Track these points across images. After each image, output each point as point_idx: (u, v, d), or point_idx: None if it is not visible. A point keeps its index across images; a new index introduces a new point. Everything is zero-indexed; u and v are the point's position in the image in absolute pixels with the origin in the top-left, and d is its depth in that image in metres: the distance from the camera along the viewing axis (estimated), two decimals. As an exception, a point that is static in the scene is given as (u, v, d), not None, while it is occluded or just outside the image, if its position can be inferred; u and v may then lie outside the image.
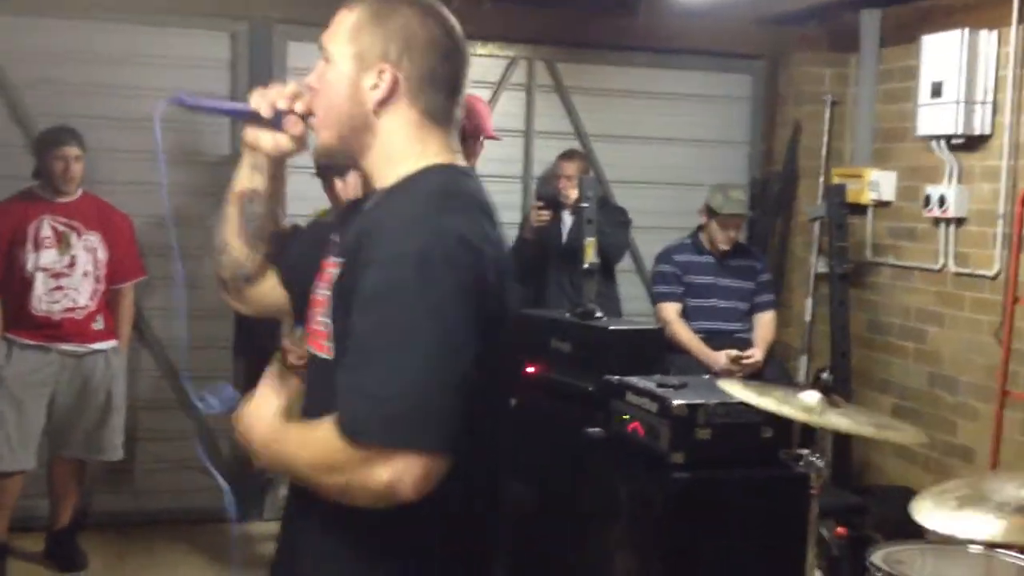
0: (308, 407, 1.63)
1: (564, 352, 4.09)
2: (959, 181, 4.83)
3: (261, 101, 1.68)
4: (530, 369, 4.23)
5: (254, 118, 1.69)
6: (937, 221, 4.94)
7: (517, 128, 5.62)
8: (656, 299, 5.06)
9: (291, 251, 1.79)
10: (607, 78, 5.71)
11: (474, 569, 1.63)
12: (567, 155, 5.31)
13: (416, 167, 1.58)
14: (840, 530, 3.81)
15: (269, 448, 1.54)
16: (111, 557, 4.62)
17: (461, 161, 1.64)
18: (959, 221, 4.84)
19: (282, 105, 1.65)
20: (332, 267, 1.60)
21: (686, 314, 4.94)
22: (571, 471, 3.74)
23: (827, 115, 5.66)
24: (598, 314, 4.16)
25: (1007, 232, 4.54)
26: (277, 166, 1.73)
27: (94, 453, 4.55)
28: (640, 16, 5.49)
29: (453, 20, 1.62)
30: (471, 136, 3.38)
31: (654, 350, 4.08)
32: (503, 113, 5.58)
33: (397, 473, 1.39)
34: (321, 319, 1.60)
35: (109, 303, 4.53)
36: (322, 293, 1.62)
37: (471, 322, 1.43)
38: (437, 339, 1.41)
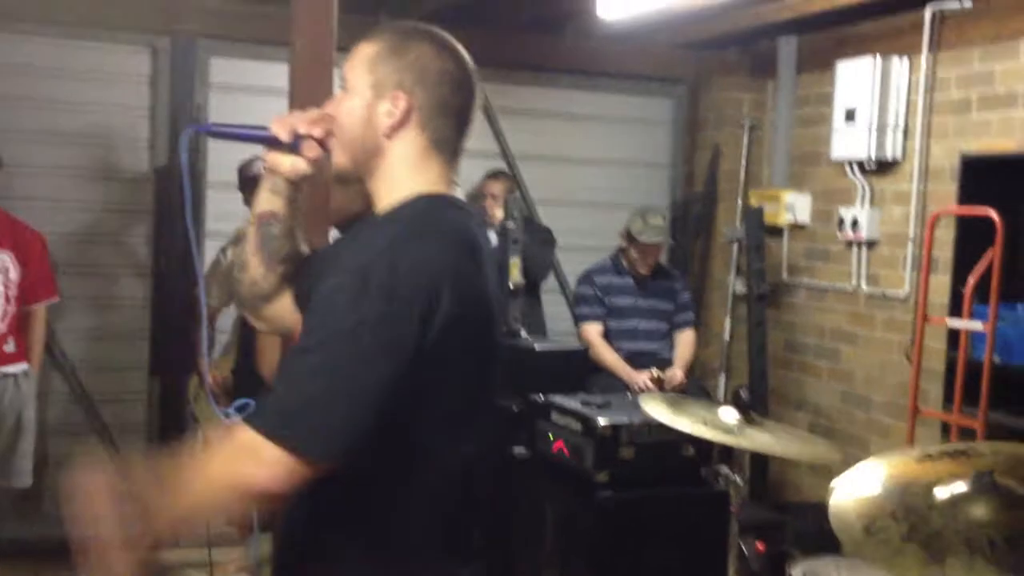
0: None
1: (489, 372, 4.11)
2: (871, 204, 4.97)
3: (280, 126, 1.74)
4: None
5: (274, 143, 1.75)
6: (850, 243, 5.08)
7: (442, 147, 5.62)
8: (578, 320, 5.10)
9: (304, 273, 1.83)
10: (533, 99, 5.76)
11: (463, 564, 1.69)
12: (493, 175, 5.34)
13: (411, 193, 1.65)
14: (759, 545, 3.88)
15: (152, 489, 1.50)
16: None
17: (456, 192, 1.71)
18: (871, 243, 4.99)
19: (301, 130, 1.71)
20: None
21: (608, 335, 4.99)
22: (497, 491, 3.75)
23: (745, 139, 5.78)
24: (523, 334, 4.18)
25: (917, 254, 4.68)
26: (295, 189, 1.79)
27: (2, 479, 4.39)
28: (566, 38, 5.56)
29: (466, 56, 1.72)
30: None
31: (578, 370, 4.12)
32: (428, 132, 5.59)
33: (267, 470, 1.46)
34: None
35: (20, 324, 4.39)
36: None
37: (398, 345, 1.48)
38: (352, 355, 1.47)
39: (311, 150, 1.72)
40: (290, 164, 1.74)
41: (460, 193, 1.71)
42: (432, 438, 1.58)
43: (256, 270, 1.82)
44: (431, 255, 1.53)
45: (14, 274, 4.34)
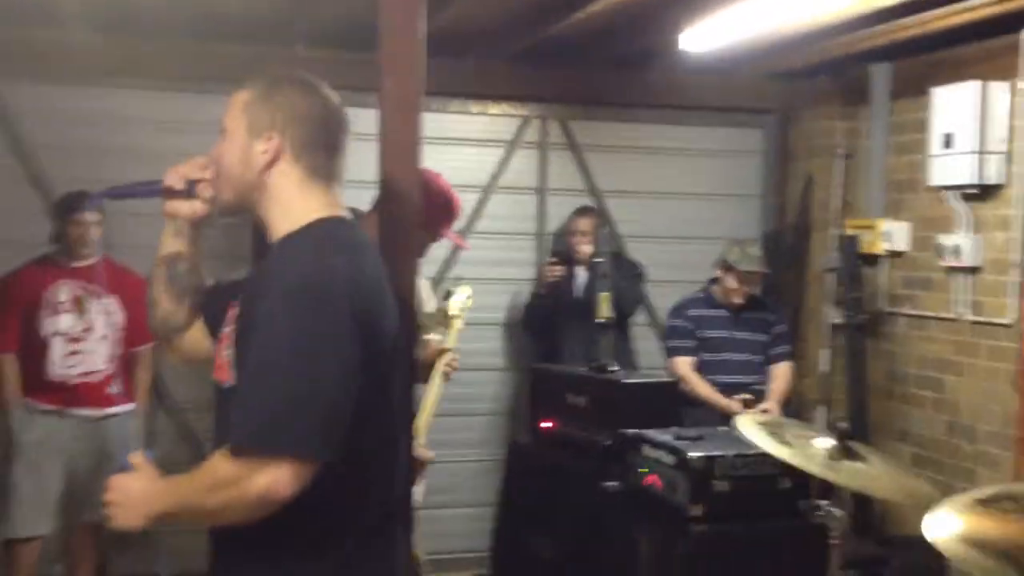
0: (218, 436, 1.83)
1: (580, 406, 4.09)
2: (973, 230, 4.83)
3: (174, 176, 1.99)
4: (547, 424, 4.22)
5: (170, 192, 1.99)
6: (952, 270, 4.94)
7: (531, 185, 5.68)
8: (669, 353, 5.05)
9: (210, 304, 2.05)
10: (619, 135, 5.77)
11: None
12: (580, 211, 5.36)
13: (303, 221, 1.84)
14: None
15: (151, 494, 1.74)
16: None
17: (342, 212, 1.89)
18: (974, 270, 4.84)
19: (194, 176, 1.96)
20: (235, 308, 1.87)
21: (700, 368, 4.92)
22: (589, 525, 3.72)
23: (839, 167, 5.69)
24: (612, 368, 4.16)
25: (1022, 280, 4.53)
26: (195, 230, 2.03)
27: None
28: (652, 73, 5.57)
29: (331, 95, 1.92)
30: (429, 228, 3.20)
31: (669, 403, 4.08)
32: (517, 171, 5.65)
33: (272, 477, 1.62)
34: (225, 352, 1.85)
35: (126, 366, 4.55)
36: (227, 330, 1.88)
37: (342, 342, 1.67)
38: (305, 359, 1.65)
39: (205, 191, 1.96)
40: (188, 208, 1.99)
41: (341, 212, 1.91)
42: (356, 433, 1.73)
43: (167, 306, 2.04)
44: (342, 266, 1.72)
45: (119, 318, 4.50)
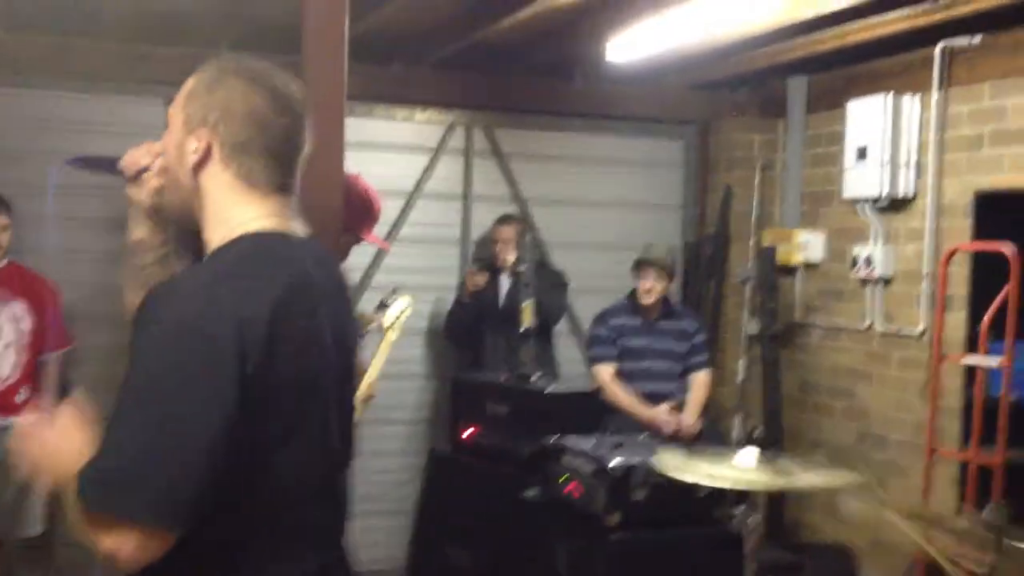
0: None
1: (501, 415, 4.09)
2: (885, 242, 4.94)
3: (128, 160, 1.84)
4: (467, 432, 4.22)
5: (124, 175, 1.86)
6: (864, 281, 5.05)
7: (455, 192, 5.66)
8: (591, 361, 5.08)
9: None
10: (544, 143, 5.79)
11: None
12: (503, 219, 5.36)
13: (233, 234, 1.62)
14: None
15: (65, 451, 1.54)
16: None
17: (283, 226, 1.66)
18: (886, 281, 4.96)
19: (143, 162, 1.81)
20: None
21: (622, 376, 4.96)
22: (509, 534, 3.72)
23: (757, 179, 5.78)
24: (534, 376, 4.17)
25: (932, 291, 4.65)
26: (156, 219, 1.85)
27: (15, 529, 4.39)
28: (576, 82, 5.60)
29: (288, 94, 1.68)
30: (350, 230, 3.24)
31: (591, 412, 4.10)
32: (442, 178, 5.63)
33: (115, 542, 1.43)
34: None
35: (34, 374, 4.41)
36: None
37: (214, 391, 1.44)
38: (165, 412, 1.43)
39: (149, 180, 1.81)
40: (138, 195, 1.85)
41: (298, 228, 1.70)
42: (263, 470, 1.53)
43: (131, 296, 1.83)
44: (244, 296, 1.50)
45: (27, 324, 4.38)
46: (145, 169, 1.81)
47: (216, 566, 1.54)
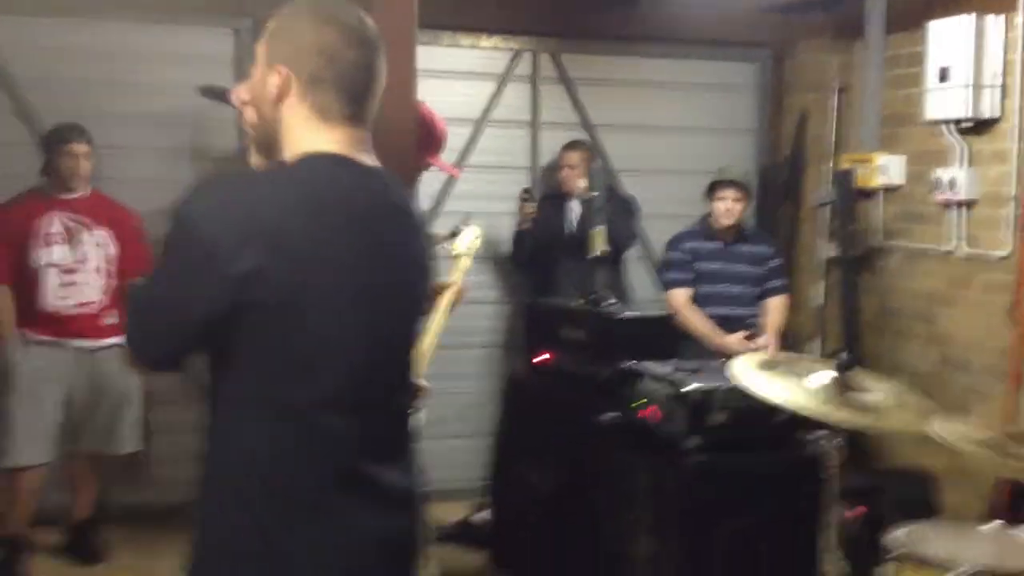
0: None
1: (575, 340, 4.09)
2: (969, 164, 4.82)
3: (235, 92, 1.97)
4: (542, 357, 4.23)
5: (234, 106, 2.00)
6: (947, 204, 4.93)
7: (523, 120, 5.63)
8: (666, 286, 5.05)
9: None
10: (612, 68, 5.71)
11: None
12: (570, 145, 5.32)
13: (301, 154, 1.75)
14: (856, 511, 3.81)
15: None
16: (131, 549, 4.65)
17: (347, 151, 1.76)
18: (970, 204, 4.84)
19: (243, 96, 1.87)
20: None
21: (696, 301, 4.93)
22: (586, 457, 3.74)
23: (834, 102, 5.65)
24: (609, 301, 4.16)
25: (1017, 214, 4.53)
26: (259, 146, 1.89)
27: (111, 446, 4.56)
28: (643, 5, 5.49)
29: (358, 28, 1.78)
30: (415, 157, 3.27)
31: (665, 337, 4.08)
32: (509, 105, 5.59)
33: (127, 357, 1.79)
34: None
35: (120, 299, 4.53)
36: None
37: (201, 291, 1.63)
38: (159, 295, 1.70)
39: (246, 114, 1.86)
40: (245, 124, 1.91)
41: (370, 160, 1.79)
42: (263, 381, 1.68)
43: None
44: (254, 203, 1.64)
45: (112, 250, 4.49)
46: (244, 103, 1.87)
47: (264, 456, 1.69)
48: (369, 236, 1.73)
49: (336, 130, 1.76)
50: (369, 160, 1.80)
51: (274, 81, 1.75)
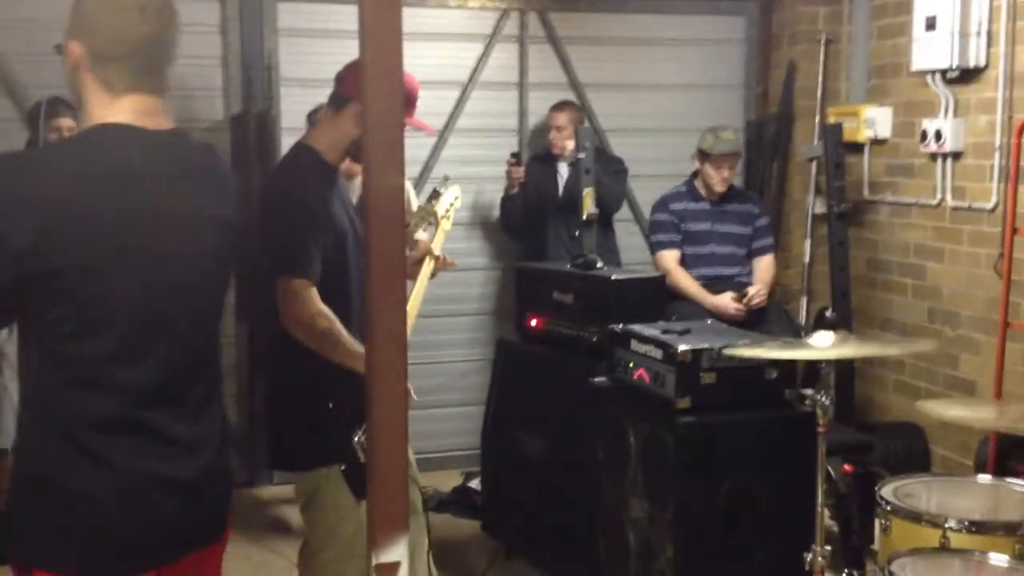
0: None
1: (566, 303, 4.11)
2: (955, 115, 4.81)
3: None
4: (533, 321, 4.25)
5: None
6: (934, 156, 4.93)
7: (511, 81, 5.59)
8: (654, 248, 5.06)
9: None
10: (599, 27, 5.67)
11: None
12: (558, 106, 5.30)
13: (88, 126, 1.88)
14: (847, 467, 3.85)
15: None
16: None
17: (142, 121, 1.87)
18: (956, 155, 4.83)
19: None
20: None
21: (684, 262, 4.94)
22: (578, 420, 3.77)
23: (822, 54, 5.62)
24: (599, 264, 4.17)
25: (1004, 164, 4.52)
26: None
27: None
28: (630, -40, 5.45)
29: (149, 4, 1.87)
30: None
31: (656, 298, 4.10)
32: (496, 66, 5.56)
33: None
34: None
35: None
36: None
37: None
38: None
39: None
40: None
41: (156, 123, 1.90)
42: (55, 339, 1.81)
43: None
44: (30, 180, 1.76)
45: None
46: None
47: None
48: (157, 199, 1.84)
49: (125, 100, 1.87)
50: (163, 124, 1.91)
51: (70, 55, 1.88)
